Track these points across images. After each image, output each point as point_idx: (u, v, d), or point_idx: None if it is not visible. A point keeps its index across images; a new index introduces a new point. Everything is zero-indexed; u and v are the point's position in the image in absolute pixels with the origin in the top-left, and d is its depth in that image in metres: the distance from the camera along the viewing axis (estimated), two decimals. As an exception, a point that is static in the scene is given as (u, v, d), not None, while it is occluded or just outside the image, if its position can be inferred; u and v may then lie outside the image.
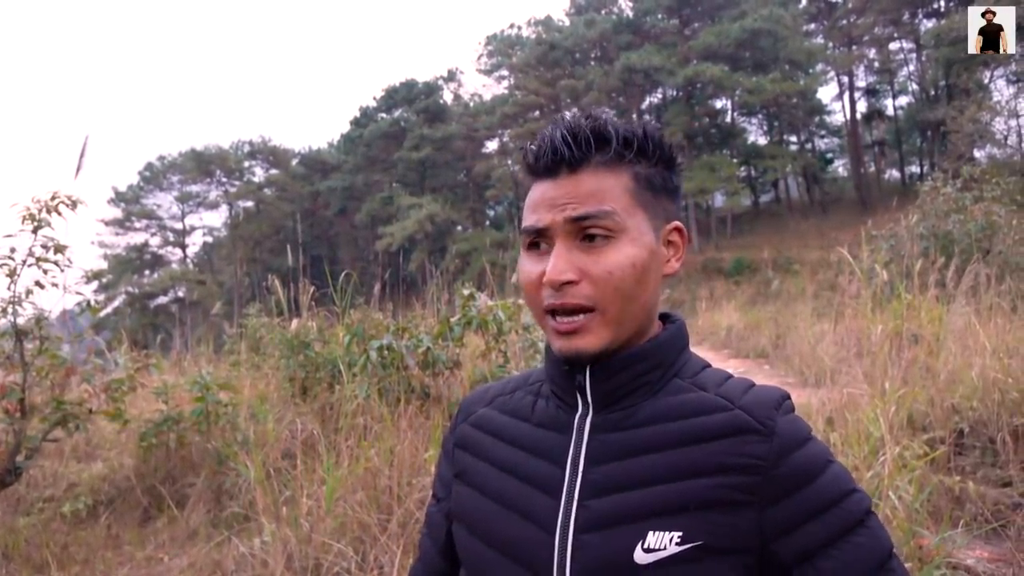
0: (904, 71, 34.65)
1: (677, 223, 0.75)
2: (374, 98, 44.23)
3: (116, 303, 35.96)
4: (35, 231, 3.42)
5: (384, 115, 42.35)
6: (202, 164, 40.14)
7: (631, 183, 0.71)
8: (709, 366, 0.77)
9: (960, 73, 23.99)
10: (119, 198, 40.38)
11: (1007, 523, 2.62)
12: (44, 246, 3.46)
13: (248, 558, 2.71)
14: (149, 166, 41.40)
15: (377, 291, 4.95)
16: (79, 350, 4.37)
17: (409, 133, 39.00)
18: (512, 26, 42.99)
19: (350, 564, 2.45)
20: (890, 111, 35.88)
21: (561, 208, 0.70)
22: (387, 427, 3.02)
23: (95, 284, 33.73)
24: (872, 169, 36.91)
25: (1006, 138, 23.15)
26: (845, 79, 34.76)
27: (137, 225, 40.83)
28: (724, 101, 35.72)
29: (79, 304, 3.88)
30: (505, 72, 40.63)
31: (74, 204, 3.50)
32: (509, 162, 36.36)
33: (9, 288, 3.44)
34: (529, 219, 0.72)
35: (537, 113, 36.64)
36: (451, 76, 44.07)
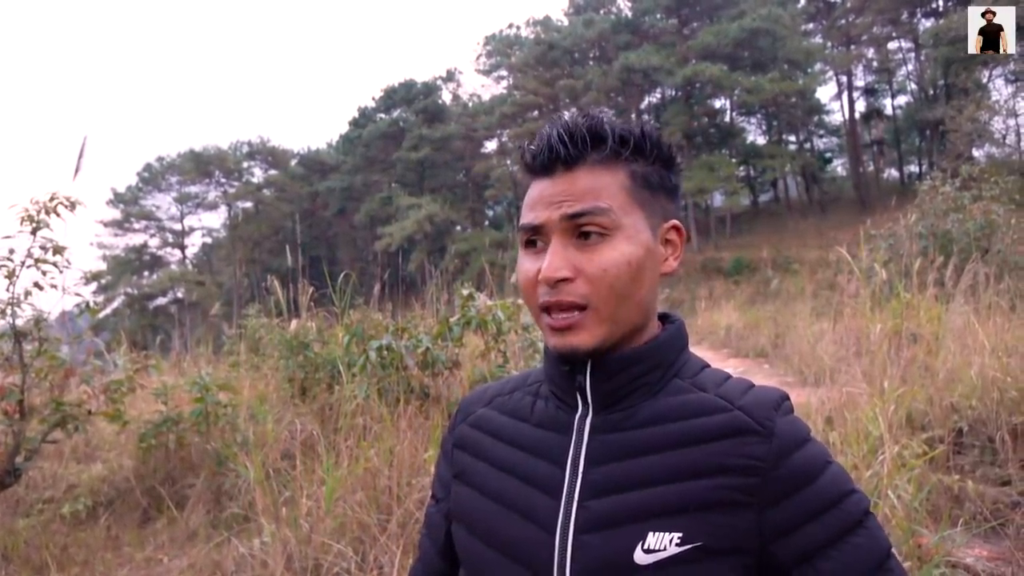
0: (903, 70, 34.71)
1: (675, 222, 0.75)
2: (373, 98, 44.30)
3: (115, 304, 36.00)
4: (34, 232, 3.41)
5: (383, 115, 42.34)
6: (201, 165, 40.14)
7: (628, 181, 0.71)
8: (708, 366, 0.77)
9: (959, 72, 23.97)
10: (118, 199, 40.39)
11: (1006, 522, 2.62)
12: (43, 247, 3.45)
13: (248, 559, 2.70)
14: (148, 167, 41.44)
15: (376, 291, 4.94)
16: (78, 351, 4.37)
17: (408, 133, 39.00)
18: (511, 26, 43.08)
19: (350, 564, 2.44)
20: (889, 110, 35.95)
21: (557, 205, 0.70)
22: (386, 427, 3.02)
23: (94, 285, 33.92)
24: (871, 168, 36.96)
25: (1005, 137, 23.15)
26: (844, 79, 34.79)
27: (136, 226, 40.83)
28: (723, 101, 35.75)
29: (78, 305, 3.87)
30: (504, 72, 40.64)
31: (73, 205, 3.50)
32: (508, 162, 36.34)
33: (8, 289, 3.44)
34: (526, 217, 0.73)
35: (536, 113, 36.60)
36: (450, 76, 44.11)
